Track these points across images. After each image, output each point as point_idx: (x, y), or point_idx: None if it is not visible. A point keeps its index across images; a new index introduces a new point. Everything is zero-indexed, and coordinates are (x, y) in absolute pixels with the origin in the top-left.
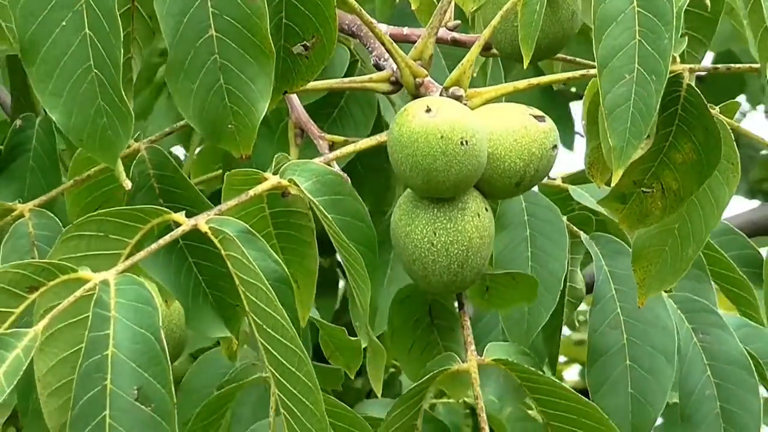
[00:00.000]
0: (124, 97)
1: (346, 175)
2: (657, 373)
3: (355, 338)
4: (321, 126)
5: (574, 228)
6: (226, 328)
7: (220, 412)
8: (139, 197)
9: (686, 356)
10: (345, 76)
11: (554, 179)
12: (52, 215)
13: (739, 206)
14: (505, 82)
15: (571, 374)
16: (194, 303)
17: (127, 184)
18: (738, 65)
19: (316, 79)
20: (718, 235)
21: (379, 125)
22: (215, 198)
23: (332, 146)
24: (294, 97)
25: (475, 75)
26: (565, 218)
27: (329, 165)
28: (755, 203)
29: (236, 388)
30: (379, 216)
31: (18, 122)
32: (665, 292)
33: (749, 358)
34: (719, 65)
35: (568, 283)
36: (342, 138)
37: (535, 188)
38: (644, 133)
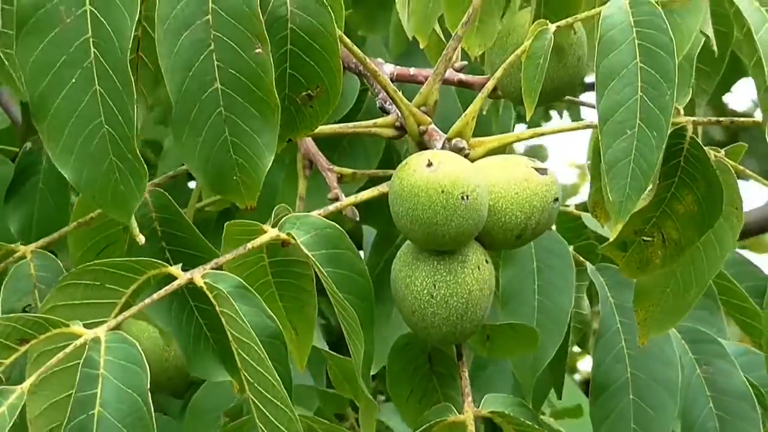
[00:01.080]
0: (137, 152)
1: (354, 209)
2: (660, 407)
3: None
4: (331, 155)
5: (580, 258)
6: (227, 372)
7: None
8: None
9: (689, 387)
10: (355, 104)
11: (568, 206)
12: (54, 257)
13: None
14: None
15: (586, 365)
16: (195, 347)
17: (141, 239)
18: (743, 119)
19: None
20: (732, 265)
21: (389, 155)
22: (224, 217)
23: (340, 178)
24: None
25: (485, 113)
26: (571, 248)
27: (330, 198)
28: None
29: (244, 423)
30: (385, 244)
31: (28, 145)
32: None
33: (751, 389)
34: (722, 119)
35: (573, 310)
36: (350, 171)
37: None
38: (644, 189)
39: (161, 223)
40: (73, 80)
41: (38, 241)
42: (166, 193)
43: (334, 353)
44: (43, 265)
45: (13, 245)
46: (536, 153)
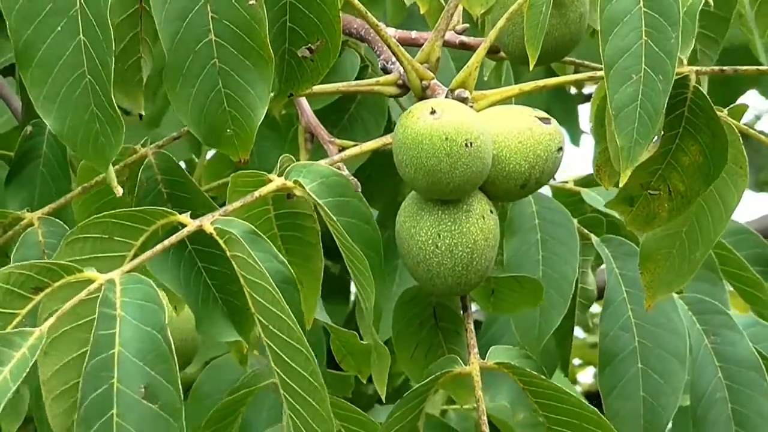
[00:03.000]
0: (115, 104)
1: (356, 180)
2: (669, 376)
3: (367, 342)
4: (331, 131)
5: (585, 231)
6: (236, 332)
7: (231, 417)
8: (147, 202)
9: (697, 358)
10: (356, 80)
11: (566, 182)
12: (61, 223)
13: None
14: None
15: (586, 377)
16: (204, 307)
17: (119, 191)
18: (745, 67)
19: (324, 83)
20: (730, 234)
21: (390, 130)
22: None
23: (342, 151)
24: (304, 102)
25: (486, 78)
26: (575, 221)
27: (336, 167)
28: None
29: (247, 393)
30: (388, 223)
31: (28, 129)
32: (676, 293)
33: (760, 359)
34: (726, 67)
35: (579, 285)
36: (351, 143)
37: (548, 192)
38: (652, 133)
39: (166, 185)
40: (59, 29)
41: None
42: (170, 155)
43: (337, 326)
44: (51, 231)
45: (19, 212)
46: None
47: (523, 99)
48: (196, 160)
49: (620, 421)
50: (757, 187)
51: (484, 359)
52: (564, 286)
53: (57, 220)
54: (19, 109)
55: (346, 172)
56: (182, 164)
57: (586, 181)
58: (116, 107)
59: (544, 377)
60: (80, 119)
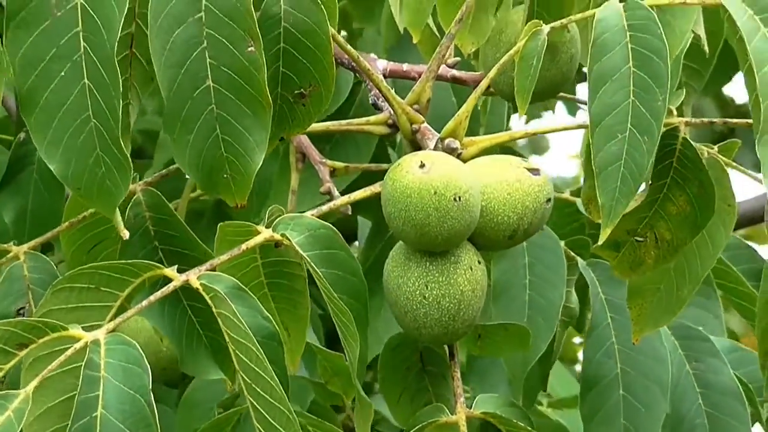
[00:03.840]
0: (123, 147)
1: (348, 207)
2: (650, 404)
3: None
4: (323, 148)
5: (571, 253)
6: (220, 370)
7: None
8: (134, 240)
9: (678, 384)
10: (348, 97)
11: (562, 192)
12: (47, 259)
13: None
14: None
15: None
16: (188, 345)
17: (125, 234)
18: (735, 120)
19: None
20: (727, 249)
21: (382, 149)
22: (218, 207)
23: (333, 172)
24: None
25: (479, 108)
26: (562, 243)
27: (322, 192)
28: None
29: (235, 413)
30: (379, 237)
31: (22, 135)
32: None
33: (741, 385)
34: (715, 119)
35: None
36: (342, 164)
37: None
38: (634, 193)
39: (154, 223)
40: (62, 74)
41: (30, 241)
42: (159, 193)
43: (324, 348)
44: (36, 266)
45: (5, 245)
46: (537, 143)
47: None
48: None
49: None
50: (757, 168)
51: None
52: (550, 312)
53: (43, 256)
54: (14, 107)
55: (336, 193)
56: None
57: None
58: (124, 150)
59: (530, 428)
60: (85, 163)
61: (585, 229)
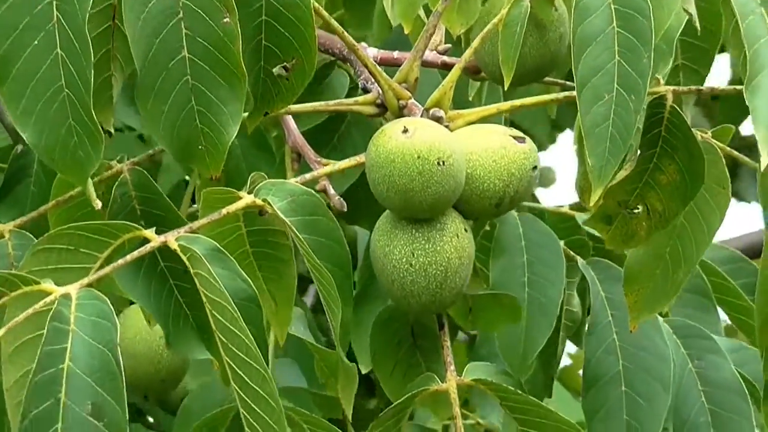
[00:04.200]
0: (94, 117)
1: (341, 199)
2: (652, 399)
3: (351, 364)
4: (321, 152)
5: (571, 253)
6: (207, 350)
7: None
8: (120, 218)
9: (681, 382)
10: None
11: (562, 206)
12: (31, 236)
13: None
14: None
15: None
16: (175, 325)
17: (98, 204)
18: (722, 87)
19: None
20: (726, 262)
21: None
22: None
23: None
24: (291, 122)
25: (471, 98)
26: (562, 243)
27: (318, 190)
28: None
29: (230, 409)
30: None
31: (19, 147)
32: (661, 316)
33: (744, 383)
34: (703, 87)
35: (564, 307)
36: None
37: (543, 216)
38: (623, 153)
39: (140, 202)
40: (35, 43)
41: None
42: (145, 172)
43: (320, 346)
44: (21, 244)
45: None
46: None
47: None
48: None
49: None
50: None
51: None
52: (550, 309)
53: (27, 233)
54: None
55: (332, 192)
56: None
57: (582, 206)
58: (96, 120)
59: (521, 393)
60: (57, 133)
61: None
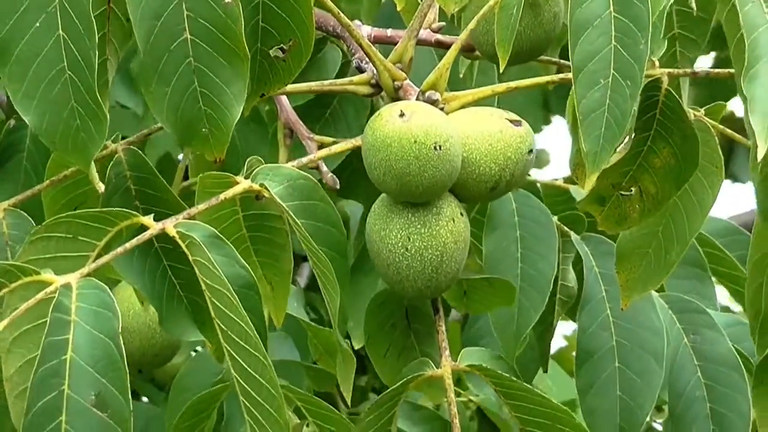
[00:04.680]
0: (99, 98)
1: (334, 176)
2: (646, 374)
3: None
4: (313, 127)
5: (565, 228)
6: (200, 332)
7: (205, 413)
8: (115, 199)
9: (676, 357)
10: (337, 77)
11: (556, 179)
12: (27, 216)
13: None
14: (498, 83)
15: None
16: (168, 306)
17: (100, 187)
18: (717, 70)
19: (305, 79)
20: (723, 234)
21: None
22: None
23: (321, 147)
24: (283, 98)
25: (461, 76)
26: (555, 218)
27: (310, 167)
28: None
29: (222, 388)
30: None
31: (11, 122)
32: (656, 291)
33: (740, 357)
34: (698, 69)
35: (559, 282)
36: (330, 139)
37: (538, 189)
38: (618, 138)
39: (135, 182)
40: (37, 24)
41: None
42: (140, 152)
43: (313, 324)
44: (16, 223)
45: None
46: (539, 157)
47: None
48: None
49: (596, 420)
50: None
51: (457, 360)
52: (542, 284)
53: (22, 212)
54: (3, 95)
55: (324, 169)
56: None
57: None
58: (100, 101)
59: (515, 379)
60: (59, 115)
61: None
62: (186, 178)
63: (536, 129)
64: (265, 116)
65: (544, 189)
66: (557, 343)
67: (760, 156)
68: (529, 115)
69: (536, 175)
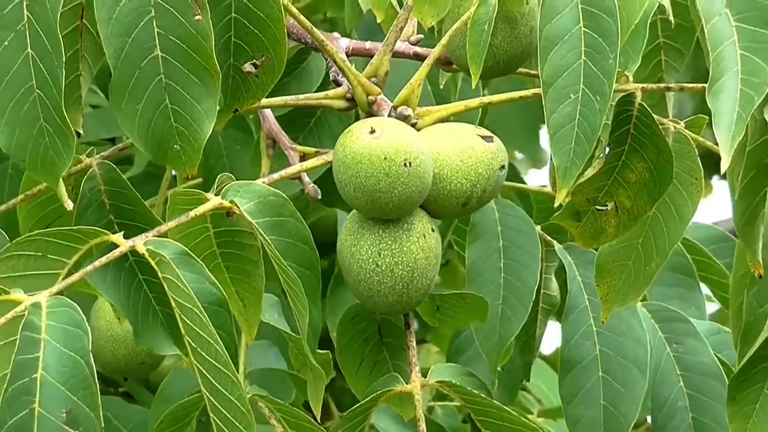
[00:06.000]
0: (66, 117)
1: (315, 187)
2: (629, 384)
3: (324, 351)
4: (297, 137)
5: (548, 237)
6: (175, 346)
7: (185, 420)
8: (89, 213)
9: (659, 367)
10: (321, 86)
11: (545, 186)
12: (2, 231)
13: None
14: (482, 95)
15: None
16: (144, 320)
17: (69, 205)
18: (691, 85)
19: (285, 90)
20: (712, 242)
21: None
22: None
23: (303, 157)
24: (266, 109)
25: (441, 87)
26: (538, 228)
27: (293, 177)
28: None
29: (200, 398)
30: None
31: None
32: (639, 301)
33: (722, 366)
34: (672, 84)
35: (542, 291)
36: (313, 149)
37: (526, 195)
38: (588, 153)
39: (109, 196)
40: (6, 43)
41: None
42: (114, 166)
43: (294, 334)
44: None
45: None
46: (536, 157)
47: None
48: None
49: (580, 429)
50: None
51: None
52: (525, 294)
53: None
54: None
55: (306, 179)
56: None
57: None
58: (67, 119)
59: (484, 396)
60: (29, 134)
61: None
62: (174, 184)
63: (535, 129)
64: (251, 125)
65: (533, 195)
66: (553, 344)
67: (723, 168)
68: (529, 114)
69: (534, 175)
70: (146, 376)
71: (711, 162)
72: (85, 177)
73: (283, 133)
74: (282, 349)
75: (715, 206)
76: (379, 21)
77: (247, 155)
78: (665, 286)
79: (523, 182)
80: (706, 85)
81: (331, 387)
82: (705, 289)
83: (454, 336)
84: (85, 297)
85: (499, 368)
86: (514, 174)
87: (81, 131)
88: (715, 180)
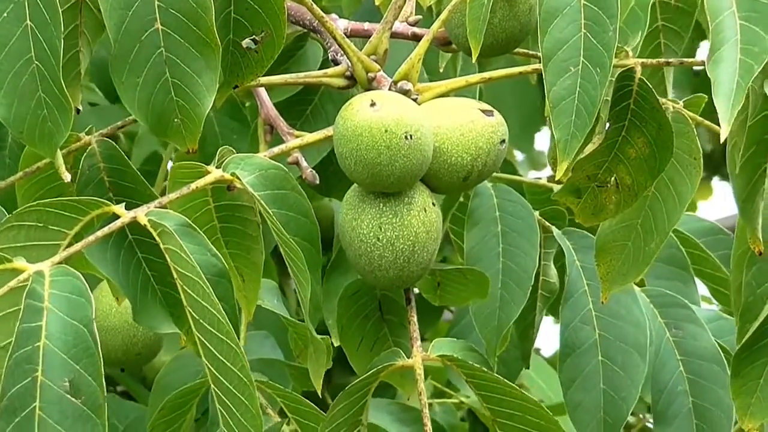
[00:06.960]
0: (64, 88)
1: (313, 171)
2: (629, 368)
3: (324, 336)
4: (294, 123)
5: (546, 223)
6: (174, 324)
7: (184, 408)
8: (88, 190)
9: (659, 352)
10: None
11: (539, 178)
12: (2, 209)
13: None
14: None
15: None
16: (142, 299)
17: (66, 177)
18: (691, 60)
19: (277, 73)
20: (705, 234)
21: None
22: None
23: None
24: (264, 94)
25: (441, 70)
26: (537, 213)
27: (290, 162)
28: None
29: (201, 384)
30: None
31: None
32: (638, 286)
33: (722, 352)
34: (671, 59)
35: (541, 278)
36: (310, 134)
37: (521, 187)
38: (589, 126)
39: (108, 173)
40: (5, 15)
41: None
42: (114, 143)
43: (293, 319)
44: None
45: None
46: (537, 159)
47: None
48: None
49: (580, 413)
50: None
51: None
52: (524, 279)
53: None
54: None
55: (304, 164)
56: None
57: None
58: (65, 91)
59: (486, 370)
60: (27, 106)
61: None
62: None
63: (534, 129)
64: (246, 112)
65: (527, 187)
66: (553, 346)
67: (722, 137)
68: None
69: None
70: (143, 366)
71: (711, 163)
72: (85, 154)
73: (281, 118)
74: (279, 340)
75: (715, 206)
76: (377, 3)
77: (244, 145)
78: (660, 279)
79: (518, 174)
80: (705, 59)
81: (328, 382)
82: (705, 289)
83: (452, 325)
84: None
85: (496, 357)
86: (509, 167)
87: (80, 107)
88: (715, 181)
